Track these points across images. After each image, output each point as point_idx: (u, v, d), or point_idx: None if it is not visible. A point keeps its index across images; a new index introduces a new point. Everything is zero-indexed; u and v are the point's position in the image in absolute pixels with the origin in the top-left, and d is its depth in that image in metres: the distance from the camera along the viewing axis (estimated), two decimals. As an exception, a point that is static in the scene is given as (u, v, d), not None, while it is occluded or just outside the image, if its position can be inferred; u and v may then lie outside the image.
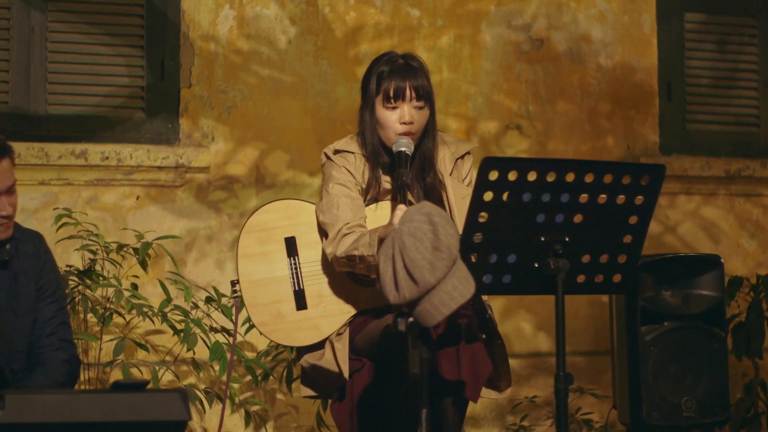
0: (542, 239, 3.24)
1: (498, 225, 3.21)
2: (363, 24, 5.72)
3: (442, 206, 3.70)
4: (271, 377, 5.10)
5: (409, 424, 3.56)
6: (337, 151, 3.80)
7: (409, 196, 3.62)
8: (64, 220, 4.94)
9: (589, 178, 3.23)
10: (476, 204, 3.18)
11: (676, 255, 5.10)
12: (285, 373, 5.07)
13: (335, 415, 3.75)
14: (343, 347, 3.69)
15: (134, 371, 5.03)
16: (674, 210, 6.11)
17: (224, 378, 4.99)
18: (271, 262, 3.77)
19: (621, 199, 3.28)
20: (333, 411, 3.76)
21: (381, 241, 3.45)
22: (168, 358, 5.21)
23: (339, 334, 3.73)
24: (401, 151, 3.67)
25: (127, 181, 5.37)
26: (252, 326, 4.19)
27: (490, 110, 5.86)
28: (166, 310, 4.90)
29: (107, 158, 5.32)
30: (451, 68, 5.82)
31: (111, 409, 2.59)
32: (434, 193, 3.77)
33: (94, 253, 4.96)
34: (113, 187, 5.37)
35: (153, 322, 4.98)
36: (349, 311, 3.75)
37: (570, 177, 3.21)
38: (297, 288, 3.76)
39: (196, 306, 5.02)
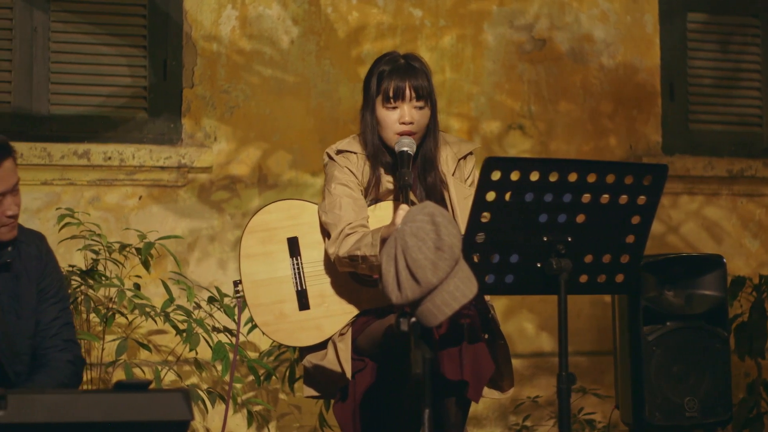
0: (545, 239, 3.24)
1: (500, 225, 3.21)
2: (365, 24, 5.72)
3: (444, 206, 3.70)
4: (273, 377, 5.11)
5: (412, 424, 3.56)
6: (339, 152, 3.80)
7: (412, 196, 3.62)
8: (67, 220, 4.94)
9: (591, 178, 3.23)
10: (479, 204, 3.18)
11: (679, 255, 5.09)
12: (287, 374, 5.07)
13: (338, 416, 3.75)
14: (345, 347, 3.69)
15: (137, 371, 5.03)
16: (677, 210, 6.10)
17: (227, 378, 4.99)
18: (273, 262, 3.77)
19: (623, 199, 3.27)
20: (335, 411, 3.76)
21: (383, 241, 3.45)
22: (170, 358, 5.21)
23: (341, 334, 3.73)
24: (403, 151, 3.67)
25: (130, 181, 5.37)
26: (254, 326, 4.19)
27: (492, 110, 5.86)
28: (169, 310, 4.90)
29: (110, 158, 5.32)
30: (453, 68, 5.82)
31: (113, 409, 2.59)
32: (435, 193, 3.77)
33: (96, 253, 4.97)
34: (116, 187, 5.37)
35: (155, 322, 4.99)
36: (351, 311, 3.75)
37: (572, 177, 3.21)
38: (299, 288, 3.76)
39: (198, 306, 5.02)
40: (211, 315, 5.04)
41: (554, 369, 3.28)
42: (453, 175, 3.79)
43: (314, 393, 3.85)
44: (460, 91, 5.82)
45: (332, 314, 3.74)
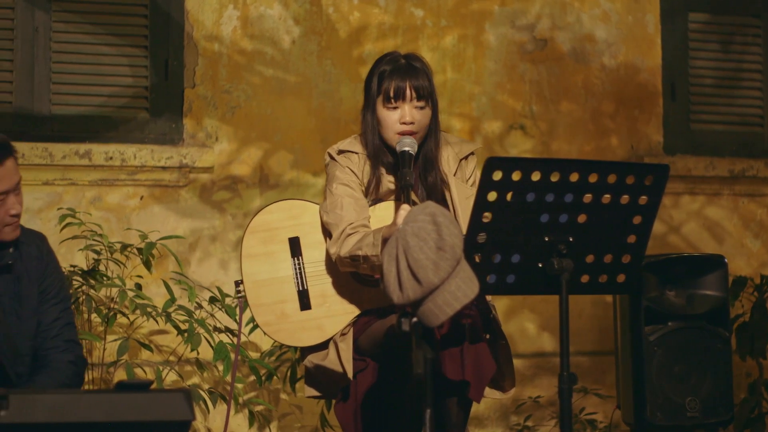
0: (546, 239, 3.24)
1: (502, 225, 3.21)
2: (367, 24, 5.72)
3: (445, 206, 3.70)
4: (275, 377, 5.10)
5: (413, 424, 3.55)
6: (340, 152, 3.80)
7: (413, 196, 3.62)
8: (68, 220, 4.94)
9: (593, 178, 3.23)
10: (480, 204, 3.18)
11: (680, 255, 5.09)
12: (289, 373, 5.07)
13: (339, 416, 3.75)
14: (347, 347, 3.69)
15: (138, 371, 5.03)
16: (678, 210, 6.10)
17: (228, 378, 5.00)
18: (274, 262, 3.77)
19: (625, 199, 3.27)
20: (337, 411, 3.76)
21: (385, 241, 3.45)
22: (172, 358, 5.21)
23: (343, 334, 3.73)
24: (405, 151, 3.67)
25: (131, 181, 5.37)
26: (256, 326, 4.18)
27: (493, 110, 5.86)
28: (170, 310, 4.90)
29: (111, 158, 5.32)
30: (454, 68, 5.82)
31: (115, 409, 2.59)
32: (437, 193, 3.77)
33: (98, 253, 4.97)
34: (117, 187, 5.37)
35: (157, 322, 4.99)
36: (353, 311, 3.75)
37: (574, 177, 3.21)
38: (301, 288, 3.76)
39: (200, 306, 5.02)
40: (212, 315, 5.04)
41: (555, 369, 3.28)
42: (454, 175, 3.78)
43: (315, 393, 3.85)
44: (461, 91, 5.82)
45: (334, 314, 3.74)
